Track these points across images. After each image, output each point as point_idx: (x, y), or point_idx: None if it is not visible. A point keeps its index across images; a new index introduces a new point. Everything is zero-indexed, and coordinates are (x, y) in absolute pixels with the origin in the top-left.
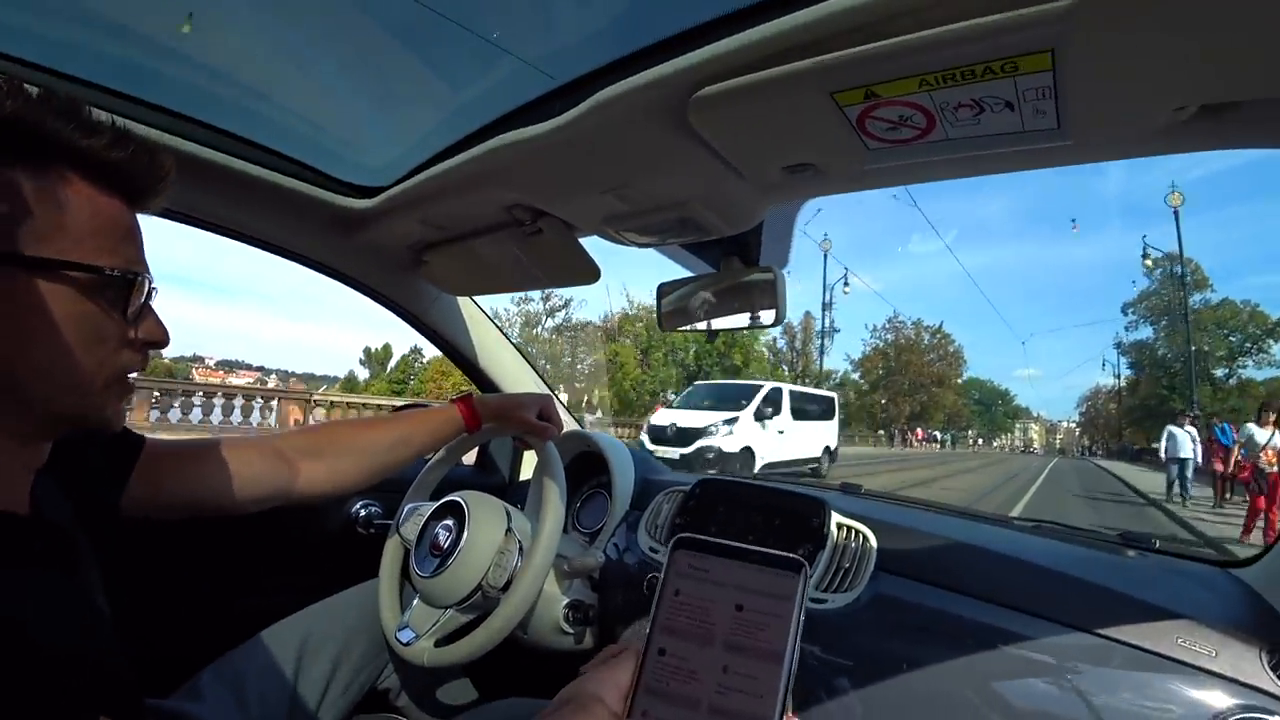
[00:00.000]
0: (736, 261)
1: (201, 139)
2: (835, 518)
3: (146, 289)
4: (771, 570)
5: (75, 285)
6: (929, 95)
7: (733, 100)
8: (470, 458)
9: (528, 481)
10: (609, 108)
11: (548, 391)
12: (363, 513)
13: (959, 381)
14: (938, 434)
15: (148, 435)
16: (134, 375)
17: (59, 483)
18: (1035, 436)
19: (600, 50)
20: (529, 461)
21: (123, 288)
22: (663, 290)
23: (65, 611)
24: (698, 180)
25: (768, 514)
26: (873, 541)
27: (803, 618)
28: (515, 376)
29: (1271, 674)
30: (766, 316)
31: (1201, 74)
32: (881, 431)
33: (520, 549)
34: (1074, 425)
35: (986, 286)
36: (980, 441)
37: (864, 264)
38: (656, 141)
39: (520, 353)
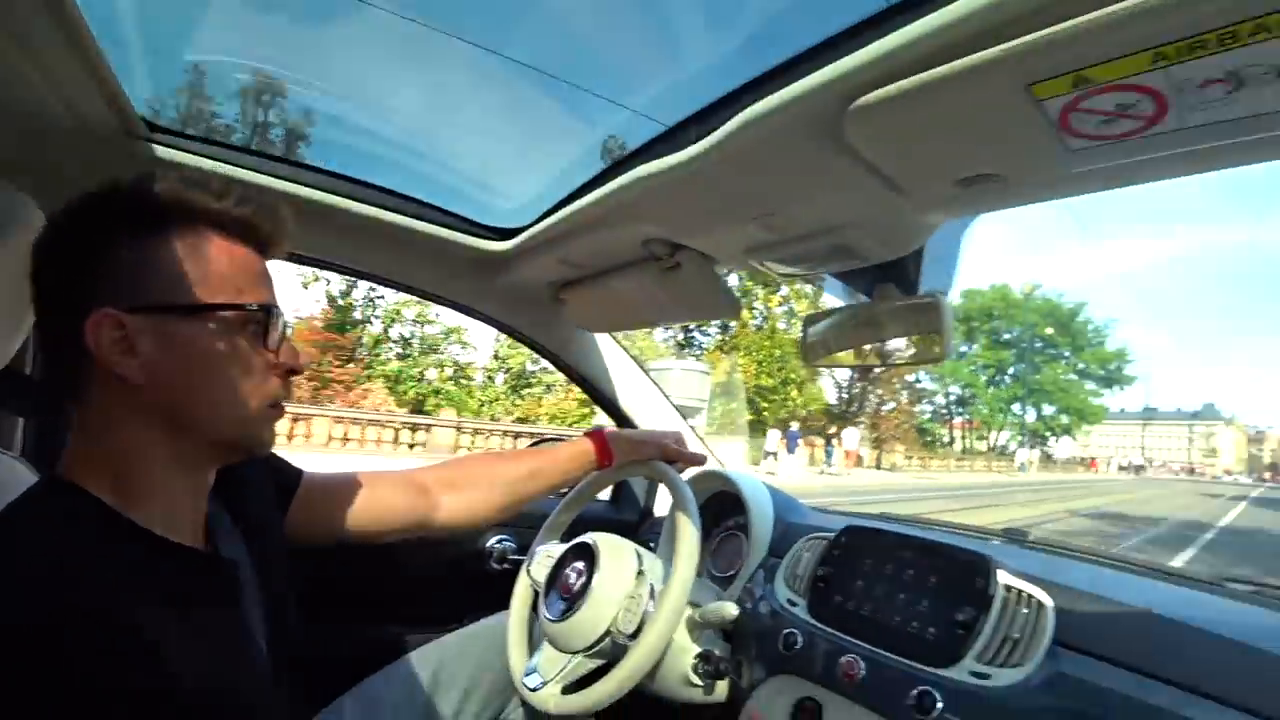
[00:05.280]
0: (893, 288)
1: (354, 195)
2: (1003, 577)
3: (282, 321)
4: None
5: (224, 324)
6: (1163, 73)
7: (897, 107)
8: (605, 493)
9: (662, 518)
10: (749, 130)
11: (680, 426)
12: (497, 547)
13: None
14: None
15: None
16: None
17: (230, 514)
18: (1222, 448)
19: (738, 69)
20: (663, 498)
21: (263, 322)
22: (809, 321)
23: (229, 648)
24: (853, 202)
25: (921, 570)
26: (1049, 608)
27: None
28: (652, 411)
29: None
30: (929, 349)
31: None
32: None
33: (652, 593)
34: None
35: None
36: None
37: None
38: (806, 163)
39: (658, 387)
